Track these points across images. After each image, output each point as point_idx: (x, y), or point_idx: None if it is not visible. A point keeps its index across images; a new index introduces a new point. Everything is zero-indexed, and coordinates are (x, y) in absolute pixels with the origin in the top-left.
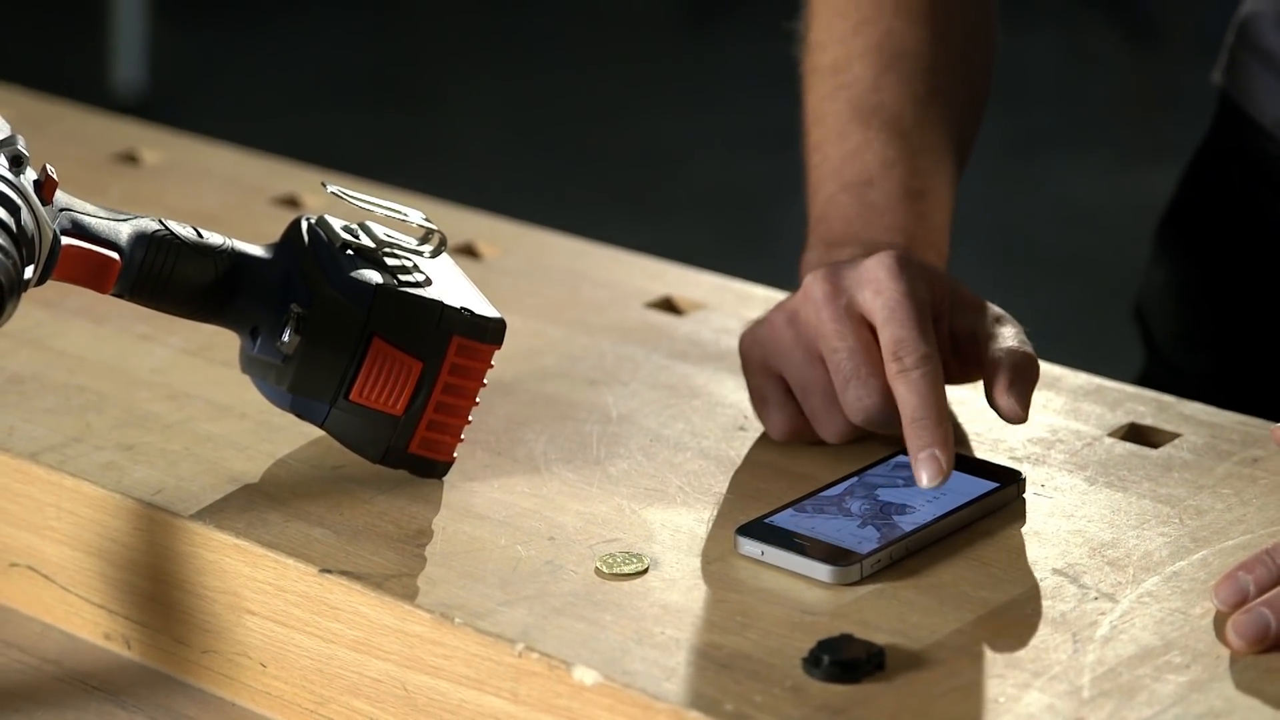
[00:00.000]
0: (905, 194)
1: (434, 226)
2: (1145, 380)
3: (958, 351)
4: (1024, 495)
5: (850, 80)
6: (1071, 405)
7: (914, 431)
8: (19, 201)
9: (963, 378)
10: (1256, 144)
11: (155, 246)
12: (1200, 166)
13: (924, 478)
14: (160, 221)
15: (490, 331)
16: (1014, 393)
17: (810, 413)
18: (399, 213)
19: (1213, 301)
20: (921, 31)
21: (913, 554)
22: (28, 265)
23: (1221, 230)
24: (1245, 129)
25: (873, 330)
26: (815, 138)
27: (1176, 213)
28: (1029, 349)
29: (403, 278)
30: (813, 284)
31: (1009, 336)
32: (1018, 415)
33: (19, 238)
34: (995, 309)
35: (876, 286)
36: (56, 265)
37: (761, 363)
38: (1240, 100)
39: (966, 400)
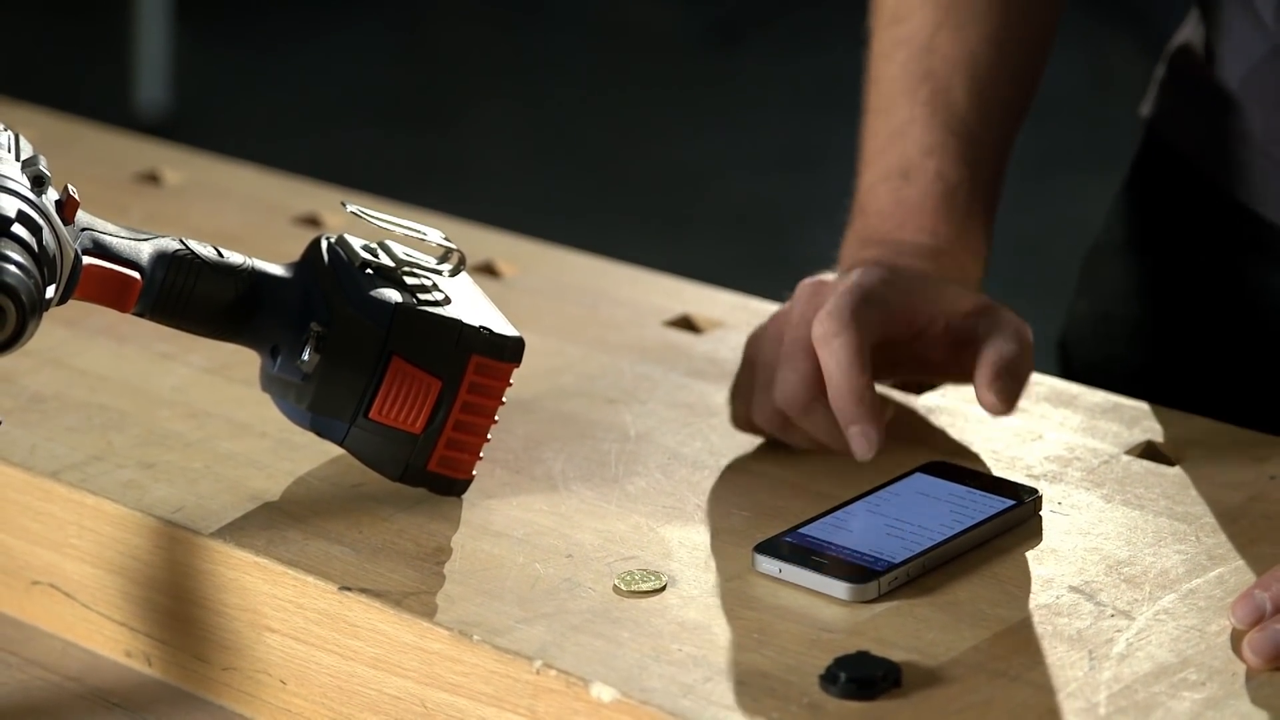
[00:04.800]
0: (941, 190)
1: (453, 245)
2: None
3: (960, 356)
4: (1041, 513)
5: (907, 35)
6: (1088, 423)
7: (838, 405)
8: (41, 221)
9: (965, 376)
10: (1182, 177)
11: (176, 266)
12: (1126, 200)
13: (856, 452)
14: (181, 241)
15: (509, 350)
16: (996, 387)
17: (755, 389)
18: (418, 232)
19: (1133, 336)
20: None
21: (929, 571)
22: (49, 285)
23: (1144, 263)
24: (1171, 162)
25: None
26: (871, 101)
27: (1101, 246)
28: (1019, 345)
29: (422, 296)
30: (801, 286)
31: (1006, 336)
32: (997, 408)
33: (40, 257)
34: (1001, 310)
35: (844, 288)
36: (78, 285)
37: (749, 357)
38: (1166, 133)
39: (984, 419)
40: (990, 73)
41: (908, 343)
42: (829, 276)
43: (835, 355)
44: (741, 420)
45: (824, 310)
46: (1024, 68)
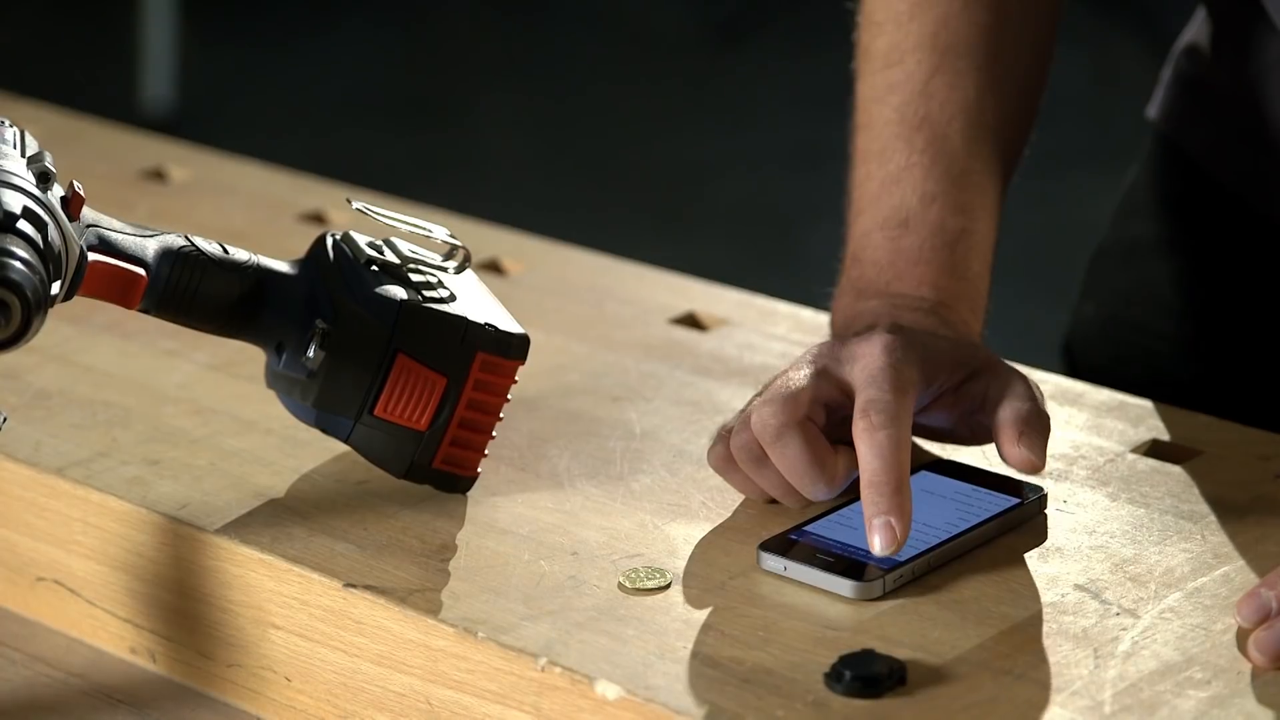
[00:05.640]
0: (942, 241)
1: (459, 243)
2: None
3: (970, 416)
4: (1046, 511)
5: (901, 79)
6: (1094, 421)
7: (871, 496)
8: (46, 218)
9: (974, 440)
10: (1189, 179)
11: (181, 262)
12: (1132, 202)
13: (876, 545)
14: (186, 238)
15: (514, 347)
16: (1025, 443)
17: (735, 427)
18: (424, 229)
19: (1140, 338)
20: (980, 16)
21: (934, 569)
22: (54, 281)
23: (1151, 266)
24: (1178, 164)
25: (826, 412)
26: (861, 145)
27: (1107, 248)
28: (1039, 404)
29: (427, 294)
30: (803, 355)
31: (1019, 395)
32: (1031, 464)
33: (46, 253)
34: (1010, 369)
35: (865, 361)
36: (83, 281)
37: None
38: (1174, 135)
39: None
40: (987, 118)
41: (917, 411)
42: (838, 342)
43: (880, 447)
44: (716, 456)
45: (867, 400)
46: (1019, 113)
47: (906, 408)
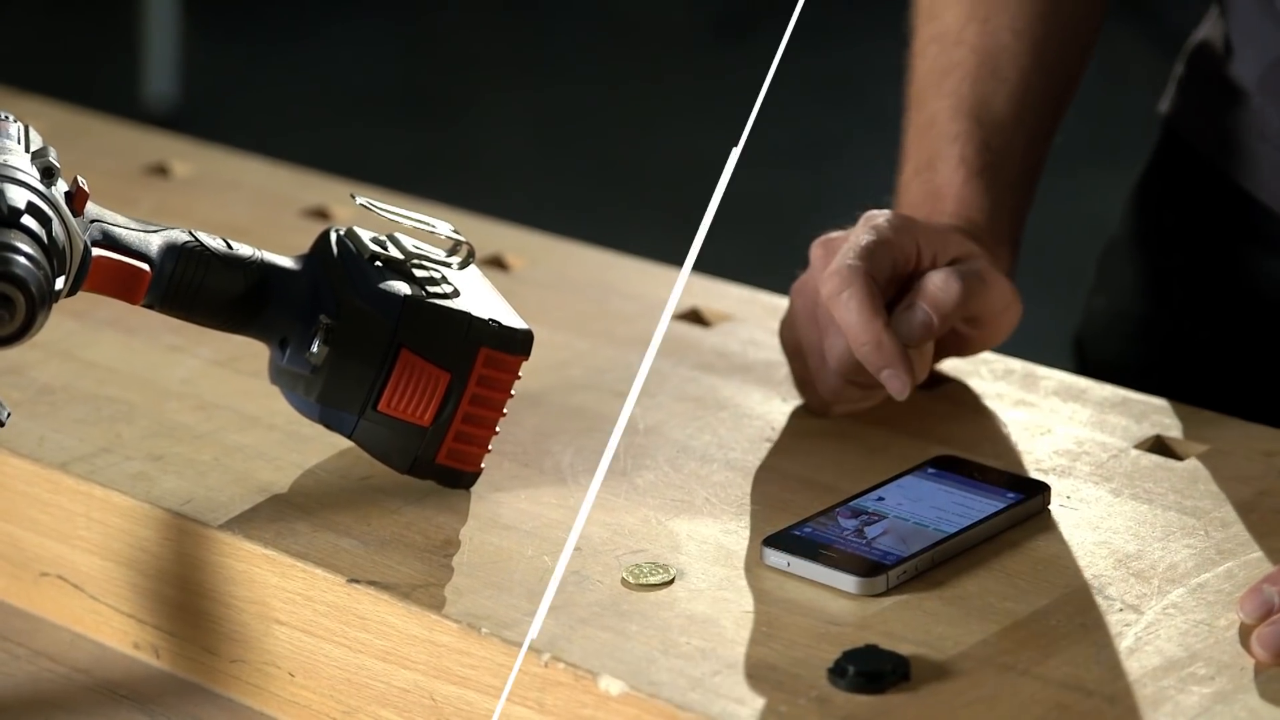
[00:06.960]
0: (967, 174)
1: (462, 238)
2: None
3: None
4: (1050, 507)
5: (940, 31)
6: (1097, 417)
7: (864, 356)
8: (50, 213)
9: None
10: (1199, 175)
11: (185, 258)
12: (1143, 198)
13: (892, 393)
14: (190, 233)
15: (518, 343)
16: (908, 315)
17: (812, 372)
18: (427, 224)
19: (1150, 333)
20: None
21: (938, 565)
22: (58, 276)
23: (1160, 260)
24: (1188, 160)
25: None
26: (907, 98)
27: (1117, 243)
28: (963, 286)
29: (431, 289)
30: (812, 250)
31: (957, 274)
32: (911, 335)
33: (50, 249)
34: (984, 260)
35: (849, 242)
36: (87, 276)
37: (791, 344)
38: (1185, 130)
39: (993, 413)
40: (1018, 62)
41: (912, 279)
42: (835, 234)
43: (848, 310)
44: (824, 409)
45: (829, 269)
46: (1058, 61)
47: (868, 264)
